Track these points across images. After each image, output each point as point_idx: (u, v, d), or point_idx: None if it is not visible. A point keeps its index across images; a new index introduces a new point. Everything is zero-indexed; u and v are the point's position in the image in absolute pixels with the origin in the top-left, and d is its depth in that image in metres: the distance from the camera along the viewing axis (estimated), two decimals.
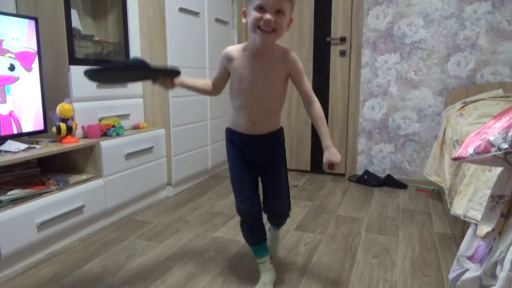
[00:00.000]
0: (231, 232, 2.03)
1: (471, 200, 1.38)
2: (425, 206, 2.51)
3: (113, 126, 2.15)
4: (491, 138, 1.03)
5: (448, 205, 1.99)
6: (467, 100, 2.58)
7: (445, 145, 2.39)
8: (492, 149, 1.03)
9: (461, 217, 1.39)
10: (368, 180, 2.97)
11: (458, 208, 1.49)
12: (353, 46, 3.02)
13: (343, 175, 3.22)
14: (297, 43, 3.19)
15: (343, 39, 3.04)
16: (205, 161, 2.99)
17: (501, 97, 2.54)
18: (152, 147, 2.39)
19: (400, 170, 3.05)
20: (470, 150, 1.08)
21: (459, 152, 1.14)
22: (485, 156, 1.05)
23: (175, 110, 2.54)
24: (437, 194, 2.74)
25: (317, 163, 3.28)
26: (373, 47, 2.98)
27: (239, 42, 3.34)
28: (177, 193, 2.68)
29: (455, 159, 1.13)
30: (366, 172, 3.04)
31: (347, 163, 3.17)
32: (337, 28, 3.07)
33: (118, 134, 2.17)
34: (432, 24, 2.81)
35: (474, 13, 2.72)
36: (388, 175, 3.01)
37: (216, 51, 3.04)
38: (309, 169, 3.30)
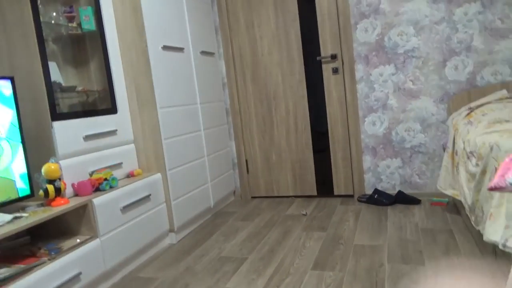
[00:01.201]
0: (244, 281, 1.87)
1: (508, 226, 1.25)
2: (444, 223, 2.36)
3: (106, 179, 2.01)
4: None
5: (473, 223, 1.85)
6: (472, 105, 2.47)
7: (457, 156, 2.27)
8: None
9: (500, 247, 1.25)
10: (379, 199, 2.83)
11: (493, 233, 1.36)
12: (345, 62, 2.92)
13: (352, 196, 3.08)
14: (287, 66, 3.09)
15: (334, 56, 2.94)
16: (207, 199, 2.84)
17: (507, 98, 2.43)
18: (150, 194, 2.24)
19: (411, 184, 2.91)
20: (510, 178, 0.95)
21: (496, 181, 1.01)
22: None
23: (169, 151, 2.41)
24: (453, 207, 2.60)
25: (323, 186, 3.14)
26: (366, 61, 2.89)
27: (227, 71, 3.24)
28: (181, 239, 2.52)
29: (491, 189, 1.00)
30: (376, 191, 2.90)
31: (354, 183, 3.03)
32: (327, 46, 2.98)
33: (111, 187, 2.03)
34: (423, 31, 2.72)
35: (465, 15, 2.63)
36: (399, 191, 2.87)
37: (205, 84, 2.93)
38: (315, 194, 3.16)
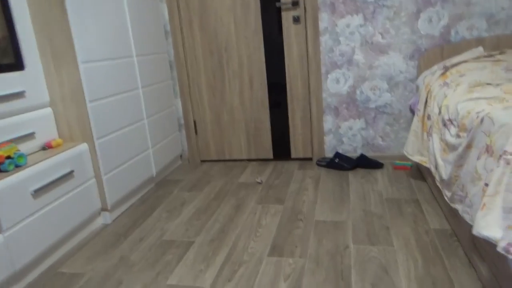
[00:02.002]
0: (189, 274, 1.58)
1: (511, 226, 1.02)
2: (409, 191, 2.19)
3: (8, 157, 1.57)
4: None
5: (447, 199, 1.66)
6: (447, 63, 2.22)
7: (429, 121, 2.04)
8: None
9: (500, 250, 1.03)
10: (340, 163, 2.60)
11: (486, 228, 1.14)
12: (308, 10, 2.53)
13: (310, 159, 2.83)
14: (240, 12, 2.65)
15: (295, 3, 2.53)
16: (148, 168, 2.46)
17: (484, 56, 2.20)
18: (72, 171, 1.83)
19: (374, 147, 2.71)
20: None
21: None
22: None
23: (97, 116, 1.97)
24: (417, 171, 2.43)
25: (279, 149, 2.86)
26: (332, 9, 2.51)
27: (170, 17, 2.74)
28: (117, 218, 2.16)
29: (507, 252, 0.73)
30: (337, 154, 2.67)
31: (314, 146, 2.77)
32: None
33: (18, 166, 1.59)
34: None
35: None
36: (361, 154, 2.66)
37: (143, 32, 2.43)
38: (271, 157, 2.88)
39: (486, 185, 1.26)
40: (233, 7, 2.65)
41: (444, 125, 1.78)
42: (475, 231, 1.17)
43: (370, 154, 2.71)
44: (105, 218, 2.08)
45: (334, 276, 1.50)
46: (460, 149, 1.54)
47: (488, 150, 1.32)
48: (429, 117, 2.05)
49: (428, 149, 2.02)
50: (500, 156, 1.20)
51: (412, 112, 2.48)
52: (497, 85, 1.78)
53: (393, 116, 2.62)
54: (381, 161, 2.65)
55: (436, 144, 1.88)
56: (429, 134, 2.02)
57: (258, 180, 2.50)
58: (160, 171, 2.66)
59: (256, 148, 2.87)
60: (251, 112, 2.82)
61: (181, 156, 3.02)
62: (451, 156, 1.66)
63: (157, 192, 2.47)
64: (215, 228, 1.94)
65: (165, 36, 2.77)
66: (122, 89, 2.18)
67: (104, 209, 2.06)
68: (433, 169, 1.92)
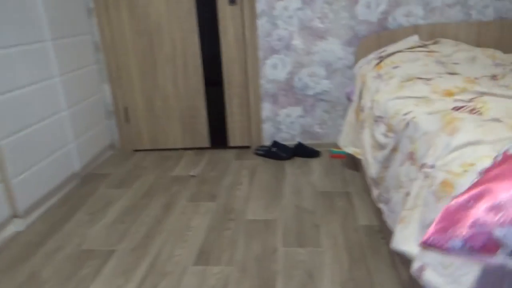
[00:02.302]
0: None
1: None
2: (343, 183, 2.17)
3: None
4: (498, 233, 0.59)
5: (374, 198, 1.64)
6: (382, 53, 2.17)
7: (362, 113, 2.00)
8: (500, 251, 0.59)
9: (413, 273, 1.00)
10: (277, 152, 2.54)
11: (403, 242, 1.11)
12: None
13: (248, 147, 2.74)
14: None
15: None
16: (70, 163, 2.26)
17: (418, 46, 2.17)
18: None
19: (311, 135, 2.66)
20: (457, 242, 0.63)
21: (432, 236, 0.68)
22: (484, 258, 0.61)
23: (1, 111, 1.74)
24: (352, 161, 2.42)
25: (216, 137, 2.74)
26: None
27: None
28: (32, 223, 1.96)
29: (425, 245, 0.68)
30: (275, 143, 2.59)
31: (251, 134, 2.68)
32: None
33: None
34: None
35: None
36: (299, 143, 2.61)
37: (60, 12, 2.16)
38: (208, 146, 2.76)
39: (408, 194, 1.23)
40: None
41: (375, 121, 1.74)
42: (393, 245, 1.15)
43: (308, 142, 2.66)
44: (17, 225, 1.89)
45: (260, 285, 1.44)
46: (387, 151, 1.50)
47: (411, 157, 1.28)
48: (362, 109, 2.01)
49: (361, 142, 1.99)
50: (420, 167, 1.17)
51: (349, 100, 2.44)
52: (428, 80, 1.76)
53: (331, 104, 2.57)
54: (318, 149, 2.62)
55: (367, 139, 1.85)
56: (362, 127, 1.98)
57: (192, 173, 2.38)
58: (87, 164, 2.46)
59: (192, 136, 2.74)
60: (186, 99, 2.65)
61: (112, 146, 2.82)
62: (380, 155, 1.63)
63: (81, 189, 2.28)
64: (140, 232, 1.82)
65: (87, 15, 2.50)
66: (31, 79, 1.94)
67: (15, 215, 1.86)
68: (364, 163, 1.90)
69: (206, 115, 2.68)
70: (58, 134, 2.14)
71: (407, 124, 1.36)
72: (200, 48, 2.53)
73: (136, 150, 2.81)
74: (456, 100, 1.42)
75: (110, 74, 2.62)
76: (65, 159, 2.20)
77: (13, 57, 1.82)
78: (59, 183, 2.16)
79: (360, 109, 2.05)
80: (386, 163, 1.53)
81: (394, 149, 1.45)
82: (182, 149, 2.78)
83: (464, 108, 1.28)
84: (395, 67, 1.96)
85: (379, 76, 1.95)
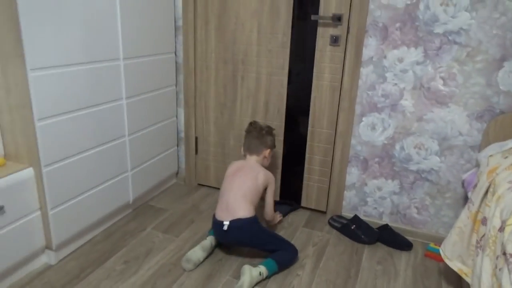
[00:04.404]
0: None
1: None
2: None
3: None
4: None
5: None
6: None
7: (483, 227, 1.44)
8: None
9: None
10: (357, 232, 2.05)
11: None
12: (352, 31, 1.94)
13: (323, 213, 2.30)
14: (267, 19, 2.10)
15: (337, 18, 1.94)
16: (123, 193, 2.07)
17: None
18: (2, 206, 1.46)
19: (405, 218, 2.12)
20: None
21: None
22: None
23: (47, 137, 1.58)
24: (455, 274, 1.83)
25: (290, 193, 2.34)
26: (383, 34, 1.90)
27: (184, 11, 2.25)
28: (64, 257, 1.79)
29: None
30: (355, 218, 2.11)
31: (330, 199, 2.23)
32: (329, 0, 1.96)
33: None
34: (484, 5, 1.71)
35: None
36: (386, 225, 2.09)
37: (143, 28, 1.97)
38: (277, 199, 2.38)
39: None
40: (259, 12, 2.10)
41: (505, 256, 1.19)
42: None
43: (399, 225, 2.13)
44: (49, 258, 1.72)
45: None
46: None
47: None
48: (484, 222, 1.45)
49: (474, 266, 1.43)
50: None
51: (465, 190, 1.85)
52: None
53: (438, 187, 2.00)
54: (411, 239, 2.07)
55: (486, 274, 1.29)
56: (480, 247, 1.42)
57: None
58: (145, 193, 2.26)
59: None
60: None
61: (177, 174, 2.60)
62: None
63: (128, 224, 2.08)
64: None
65: (174, 33, 2.30)
66: (93, 101, 1.76)
67: (48, 247, 1.70)
68: None
69: (280, 165, 2.31)
70: (117, 162, 1.96)
71: None
72: (287, 89, 2.17)
73: (201, 185, 2.56)
74: None
75: (186, 99, 2.39)
76: (118, 190, 2.01)
77: (81, 76, 1.66)
78: (107, 214, 1.97)
79: (481, 220, 1.49)
80: None
81: None
82: None
83: None
84: None
85: None
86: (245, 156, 2.03)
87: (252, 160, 1.99)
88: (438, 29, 1.80)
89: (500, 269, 1.18)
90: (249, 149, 2.00)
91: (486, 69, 1.78)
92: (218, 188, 2.51)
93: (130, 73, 1.95)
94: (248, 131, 2.04)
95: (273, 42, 2.13)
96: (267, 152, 2.01)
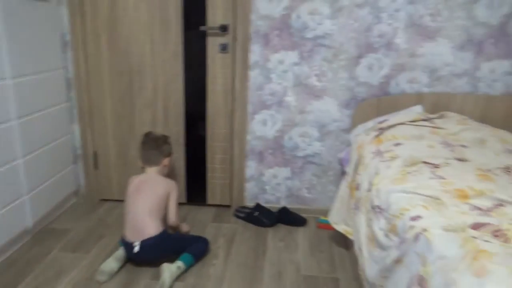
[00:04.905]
0: None
1: None
2: (330, 265, 1.92)
3: None
4: None
5: None
6: (382, 124, 1.97)
7: (358, 192, 1.77)
8: None
9: None
10: (260, 218, 2.28)
11: None
12: (238, 39, 2.17)
13: (229, 207, 2.48)
14: (159, 30, 2.21)
15: (223, 28, 2.16)
16: (22, 219, 1.96)
17: (422, 120, 1.98)
18: None
19: (298, 199, 2.42)
20: None
21: None
22: None
23: None
24: (341, 235, 2.17)
25: (195, 193, 2.48)
26: (265, 41, 2.17)
27: (72, 25, 2.23)
28: None
29: None
30: (257, 206, 2.35)
31: (233, 193, 2.43)
32: (216, 12, 2.16)
33: None
34: (342, 14, 2.08)
35: (392, 1, 2.05)
36: (284, 208, 2.36)
37: (29, 44, 1.91)
38: (185, 201, 2.49)
39: None
40: (150, 23, 2.20)
41: (374, 210, 1.51)
42: None
43: (294, 206, 2.42)
44: None
45: None
46: (388, 260, 1.27)
47: (421, 283, 1.05)
48: (358, 187, 1.79)
49: (354, 224, 1.76)
50: None
51: (342, 166, 2.22)
52: (435, 166, 1.55)
53: (322, 168, 2.35)
54: (305, 215, 2.37)
55: (363, 227, 1.61)
56: (357, 208, 1.75)
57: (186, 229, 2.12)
58: (44, 217, 2.16)
59: None
60: None
61: (77, 194, 2.52)
62: (378, 255, 1.40)
63: (31, 250, 1.97)
64: None
65: (62, 49, 2.26)
66: None
67: None
68: (357, 251, 1.66)
69: (184, 168, 2.43)
70: (10, 186, 1.85)
71: (417, 237, 1.13)
72: (184, 96, 2.31)
73: (104, 200, 2.52)
74: (473, 208, 1.20)
75: (81, 114, 2.36)
76: (15, 214, 1.90)
77: None
78: (6, 241, 1.85)
79: (355, 186, 1.83)
80: (386, 273, 1.29)
81: (398, 261, 1.22)
82: None
83: (486, 227, 1.06)
84: (397, 144, 1.76)
85: (378, 153, 1.74)
86: (143, 168, 2.00)
87: (153, 172, 1.98)
88: (309, 35, 2.13)
89: (371, 219, 1.50)
90: (149, 161, 1.99)
91: (348, 66, 2.16)
92: (123, 201, 2.51)
93: (19, 92, 1.87)
94: (144, 143, 2.01)
95: (166, 53, 2.25)
96: (166, 160, 2.02)
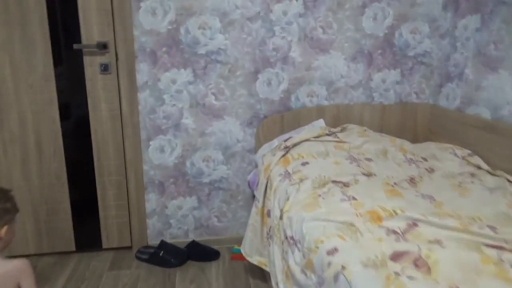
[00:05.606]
0: None
1: None
2: None
3: None
4: None
5: None
6: (287, 142, 1.86)
7: (269, 219, 1.63)
8: None
9: None
10: (165, 257, 2.02)
11: None
12: (121, 58, 1.90)
13: (129, 248, 2.17)
14: (21, 51, 1.84)
15: (103, 46, 1.87)
16: None
17: (326, 135, 1.93)
18: None
19: (209, 229, 2.21)
20: None
21: None
22: None
23: None
24: (259, 267, 2.02)
25: (87, 238, 2.12)
26: (153, 59, 1.94)
27: None
28: None
29: None
30: (162, 244, 2.08)
31: (133, 232, 2.13)
32: (91, 28, 1.87)
33: None
34: (233, 28, 1.95)
35: (284, 15, 1.98)
36: (193, 241, 2.14)
37: None
38: (74, 249, 2.11)
39: None
40: (8, 44, 1.82)
41: (288, 242, 1.37)
42: None
43: (204, 238, 2.20)
44: None
45: None
46: None
47: None
48: (269, 214, 1.65)
49: (269, 256, 1.61)
50: None
51: (251, 189, 2.07)
52: (344, 185, 1.48)
53: (230, 192, 2.17)
54: (217, 247, 2.17)
55: (278, 259, 1.47)
56: (270, 237, 1.61)
57: None
58: None
59: (51, 238, 2.07)
60: (41, 189, 2.00)
61: None
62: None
63: None
64: None
65: None
66: None
67: None
68: (274, 285, 1.51)
69: (70, 209, 2.06)
70: None
71: (336, 277, 1.00)
72: (61, 126, 1.95)
73: None
74: (388, 232, 1.12)
75: None
76: None
77: None
78: None
79: (266, 213, 1.68)
80: None
81: None
82: (36, 255, 2.08)
83: (406, 257, 0.98)
84: (305, 164, 1.66)
85: (287, 175, 1.62)
86: None
87: None
88: (201, 50, 1.95)
89: (286, 252, 1.36)
90: None
91: (246, 82, 2.03)
92: None
93: None
94: None
95: (33, 76, 1.88)
96: (1, 231, 1.18)
